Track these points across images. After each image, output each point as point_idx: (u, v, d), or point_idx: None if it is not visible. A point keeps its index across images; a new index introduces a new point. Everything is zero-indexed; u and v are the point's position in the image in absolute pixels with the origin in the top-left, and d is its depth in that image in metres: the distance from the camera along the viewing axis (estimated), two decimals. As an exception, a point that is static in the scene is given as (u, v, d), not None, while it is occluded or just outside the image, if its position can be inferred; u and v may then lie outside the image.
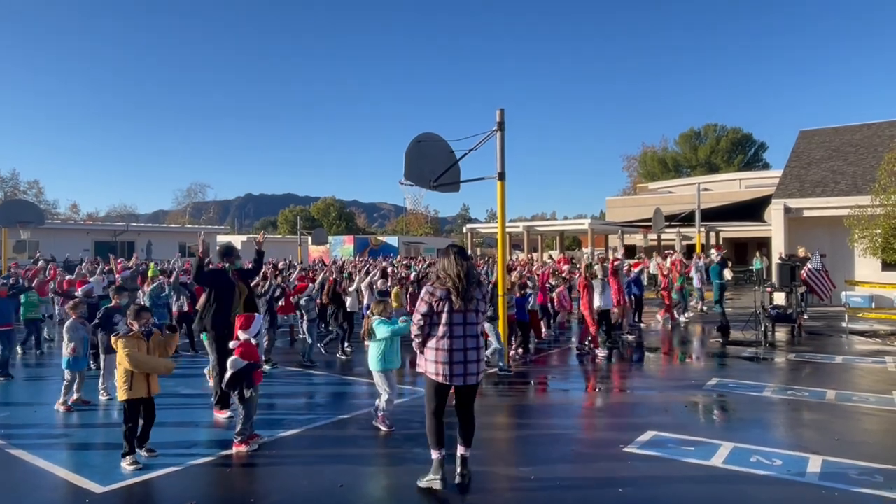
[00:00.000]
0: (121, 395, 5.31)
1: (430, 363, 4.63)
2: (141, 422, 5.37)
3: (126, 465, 5.16)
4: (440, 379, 4.59)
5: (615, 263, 12.10)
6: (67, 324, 7.42)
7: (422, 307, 4.62)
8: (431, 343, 4.62)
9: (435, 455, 4.71)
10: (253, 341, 5.82)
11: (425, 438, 4.66)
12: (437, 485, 4.64)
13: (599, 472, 5.09)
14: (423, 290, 4.71)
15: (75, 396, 7.25)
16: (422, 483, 4.72)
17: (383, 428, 6.17)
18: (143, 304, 8.79)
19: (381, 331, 6.17)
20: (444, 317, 4.55)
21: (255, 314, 6.23)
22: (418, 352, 4.76)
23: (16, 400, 7.97)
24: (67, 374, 7.18)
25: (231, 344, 5.84)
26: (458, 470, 4.73)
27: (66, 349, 7.21)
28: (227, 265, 7.31)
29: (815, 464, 5.12)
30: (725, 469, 5.06)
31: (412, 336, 4.76)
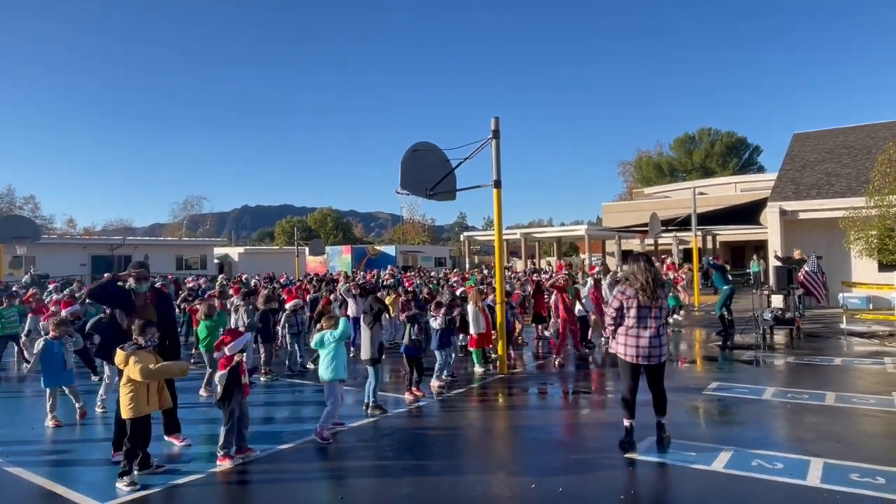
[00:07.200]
0: (126, 413, 5.09)
1: (621, 346, 5.75)
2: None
3: (123, 485, 5.01)
4: (629, 359, 5.69)
5: (594, 271, 12.92)
6: (40, 342, 7.27)
7: (615, 303, 5.76)
8: (622, 330, 5.73)
9: (626, 423, 5.77)
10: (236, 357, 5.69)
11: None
12: (627, 447, 5.62)
13: (601, 479, 5.07)
14: (616, 289, 5.83)
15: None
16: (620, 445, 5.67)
17: (320, 440, 6.06)
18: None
19: (319, 339, 6.36)
20: (633, 311, 5.61)
21: (244, 332, 6.09)
22: (611, 337, 5.89)
23: (12, 416, 7.92)
24: (48, 392, 7.15)
25: (216, 355, 6.07)
26: (658, 434, 5.78)
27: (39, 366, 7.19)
28: (129, 283, 6.06)
29: (816, 466, 5.11)
30: (727, 473, 5.03)
31: (606, 324, 5.96)
